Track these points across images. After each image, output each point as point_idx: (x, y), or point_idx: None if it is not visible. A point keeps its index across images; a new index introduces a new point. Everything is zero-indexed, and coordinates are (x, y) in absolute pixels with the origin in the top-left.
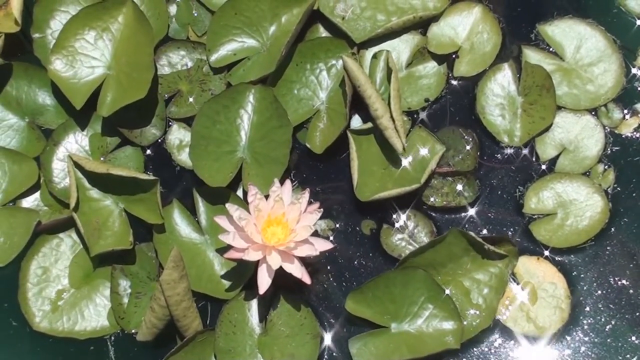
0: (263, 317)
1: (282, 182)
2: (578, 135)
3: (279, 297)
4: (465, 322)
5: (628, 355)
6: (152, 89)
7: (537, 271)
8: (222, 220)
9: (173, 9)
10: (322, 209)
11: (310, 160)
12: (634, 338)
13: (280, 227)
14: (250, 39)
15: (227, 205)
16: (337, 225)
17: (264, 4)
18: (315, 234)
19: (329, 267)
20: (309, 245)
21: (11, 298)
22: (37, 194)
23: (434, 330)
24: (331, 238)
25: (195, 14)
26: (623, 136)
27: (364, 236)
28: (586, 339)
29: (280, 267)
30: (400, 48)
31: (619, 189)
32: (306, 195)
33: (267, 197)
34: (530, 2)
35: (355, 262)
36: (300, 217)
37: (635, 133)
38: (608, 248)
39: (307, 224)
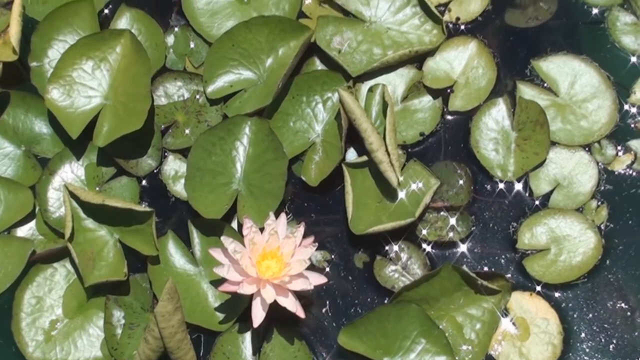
0: (257, 350)
1: (277, 215)
2: (572, 171)
3: (272, 329)
4: (457, 358)
5: None
6: (149, 119)
7: (530, 307)
8: (216, 253)
9: (170, 40)
10: (317, 243)
11: (306, 193)
12: None
13: (275, 260)
14: (247, 71)
15: (222, 238)
16: (333, 257)
17: (261, 36)
18: (311, 265)
19: (323, 300)
20: (303, 279)
21: (4, 327)
22: (32, 223)
23: None
24: (327, 269)
25: (193, 45)
26: (616, 173)
27: (358, 268)
28: None
29: (275, 300)
30: (396, 82)
31: (612, 225)
32: (301, 229)
33: (262, 230)
34: (525, 37)
35: (350, 294)
36: (295, 250)
37: (628, 170)
38: (601, 284)
39: (302, 258)
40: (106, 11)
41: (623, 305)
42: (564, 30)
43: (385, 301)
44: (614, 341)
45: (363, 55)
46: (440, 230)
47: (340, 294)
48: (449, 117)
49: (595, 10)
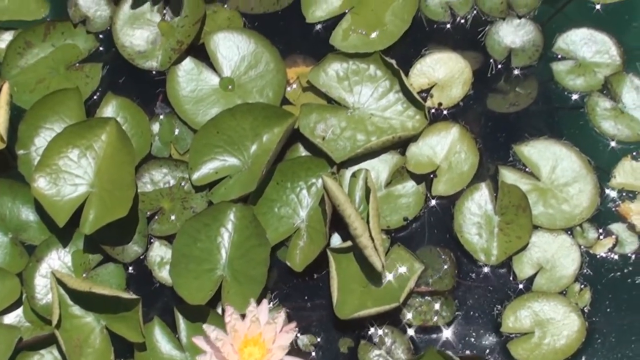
0: None
1: (260, 301)
2: (554, 254)
3: None
4: None
5: None
6: (134, 206)
7: None
8: (199, 341)
9: (156, 127)
10: (297, 328)
11: (291, 278)
12: None
13: (257, 347)
14: (231, 158)
15: (204, 326)
16: (319, 340)
17: (245, 123)
18: (298, 349)
19: None
20: None
21: None
22: (19, 310)
23: None
24: (313, 354)
25: (178, 132)
26: (598, 256)
27: (343, 353)
28: None
29: None
30: (380, 167)
31: (595, 308)
32: (282, 315)
33: (243, 316)
34: (507, 122)
35: None
36: (276, 336)
37: (609, 253)
38: None
39: (283, 344)
40: (95, 97)
41: None
42: (544, 115)
43: None
44: None
45: (347, 141)
46: (424, 315)
47: None
48: (433, 202)
49: (575, 96)
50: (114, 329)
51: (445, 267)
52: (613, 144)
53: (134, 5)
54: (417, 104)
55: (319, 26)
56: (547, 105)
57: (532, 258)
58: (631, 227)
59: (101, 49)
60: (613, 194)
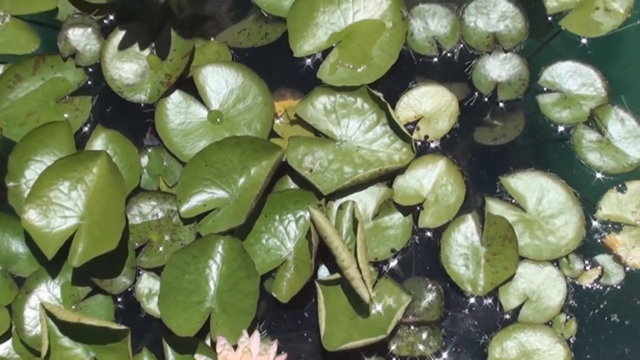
0: None
1: (250, 332)
2: (540, 285)
3: None
4: None
5: None
6: (123, 238)
7: None
8: None
9: (145, 160)
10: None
11: (279, 309)
12: None
13: None
14: (220, 190)
15: (196, 355)
16: None
17: (233, 156)
18: None
19: None
20: None
21: None
22: (8, 342)
23: None
24: None
25: (166, 165)
26: (584, 287)
27: None
28: None
29: None
30: (367, 199)
31: (581, 339)
32: (274, 346)
33: (235, 347)
34: (493, 154)
35: None
36: None
37: (595, 284)
38: None
39: None
40: (85, 129)
41: None
42: (531, 147)
43: None
44: None
45: (334, 173)
46: (411, 345)
47: None
48: (420, 234)
49: (561, 128)
50: None
51: (432, 298)
52: (599, 175)
53: (122, 46)
54: (404, 137)
55: (306, 60)
56: (534, 138)
57: (519, 289)
58: (617, 259)
59: (90, 82)
60: (599, 225)
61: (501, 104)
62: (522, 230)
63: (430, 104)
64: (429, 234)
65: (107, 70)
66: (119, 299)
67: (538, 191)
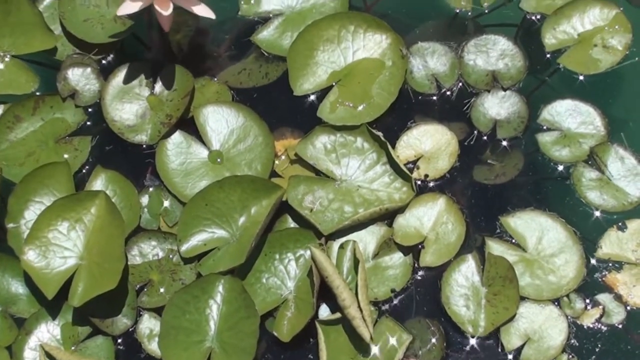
0: None
1: None
2: (542, 325)
3: None
4: None
5: None
6: (123, 278)
7: None
8: None
9: (145, 200)
10: None
11: (279, 349)
12: None
13: None
14: (220, 230)
15: None
16: None
17: (233, 195)
18: None
19: None
20: None
21: None
22: None
23: None
24: None
25: (167, 205)
26: (585, 327)
27: None
28: None
29: None
30: (367, 239)
31: None
32: None
33: None
34: (493, 193)
35: None
36: None
37: (596, 323)
38: None
39: None
40: (84, 170)
41: None
42: (530, 186)
43: None
44: None
45: (334, 213)
46: None
47: None
48: (420, 273)
49: (560, 167)
50: None
51: (433, 338)
52: (599, 214)
53: (122, 87)
54: (404, 176)
55: (306, 99)
56: (533, 176)
57: (520, 329)
58: (618, 298)
59: (89, 122)
60: (599, 264)
61: (501, 142)
62: (522, 270)
63: (430, 143)
64: (429, 273)
65: (107, 112)
66: (119, 340)
67: (538, 230)
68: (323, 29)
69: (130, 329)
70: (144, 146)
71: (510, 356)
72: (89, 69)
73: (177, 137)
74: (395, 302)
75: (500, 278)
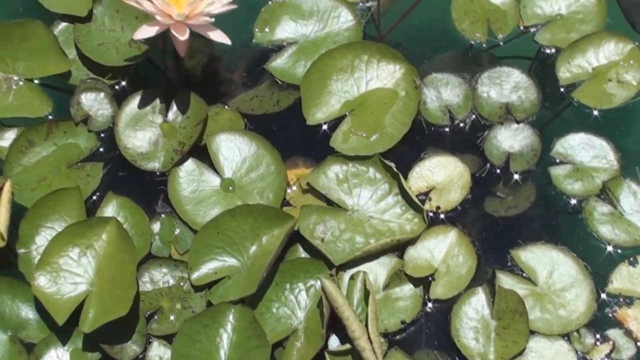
0: None
1: None
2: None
3: None
4: None
5: None
6: (134, 305)
7: None
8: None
9: (156, 227)
10: None
11: None
12: None
13: None
14: (231, 258)
15: None
16: None
17: (245, 224)
18: None
19: None
20: None
21: None
22: None
23: None
24: None
25: (178, 232)
26: None
27: None
28: None
29: None
30: (378, 270)
31: None
32: None
33: None
34: (505, 226)
35: None
36: None
37: (606, 359)
38: None
39: None
40: (95, 196)
41: None
42: (542, 219)
43: None
44: None
45: (345, 243)
46: None
47: None
48: (430, 305)
49: (573, 201)
50: None
51: None
52: (610, 248)
53: (140, 107)
54: (415, 207)
55: (319, 128)
56: (545, 210)
57: None
58: (628, 333)
59: (101, 149)
60: (610, 299)
61: (513, 175)
62: (532, 303)
63: (442, 175)
64: (439, 305)
65: (120, 139)
66: None
67: (549, 264)
68: (337, 58)
69: (140, 356)
70: (157, 173)
71: None
72: (102, 94)
73: (190, 164)
74: (405, 334)
75: (510, 311)
